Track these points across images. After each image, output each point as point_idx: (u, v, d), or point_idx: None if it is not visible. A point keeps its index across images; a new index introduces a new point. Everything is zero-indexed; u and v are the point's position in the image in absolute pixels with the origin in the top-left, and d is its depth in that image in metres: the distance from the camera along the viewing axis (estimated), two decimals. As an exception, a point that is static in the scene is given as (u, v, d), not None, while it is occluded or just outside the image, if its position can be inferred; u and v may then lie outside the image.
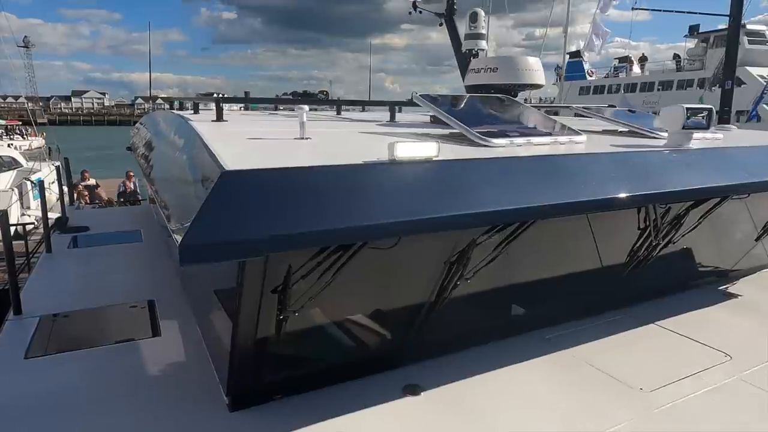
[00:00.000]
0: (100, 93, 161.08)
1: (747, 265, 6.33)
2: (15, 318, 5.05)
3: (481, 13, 6.58)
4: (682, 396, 3.67)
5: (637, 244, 4.93)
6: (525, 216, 3.46)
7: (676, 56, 45.06)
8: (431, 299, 3.96)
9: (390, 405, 3.58)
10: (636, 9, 27.99)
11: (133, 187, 16.66)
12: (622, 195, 3.66)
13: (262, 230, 2.44)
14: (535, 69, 5.80)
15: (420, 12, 10.13)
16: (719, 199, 4.81)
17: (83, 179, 17.54)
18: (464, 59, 7.12)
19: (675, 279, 5.79)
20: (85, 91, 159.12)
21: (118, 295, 5.74)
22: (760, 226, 5.98)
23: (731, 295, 5.73)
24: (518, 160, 3.77)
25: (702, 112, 4.33)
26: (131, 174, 16.49)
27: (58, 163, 14.15)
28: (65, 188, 10.58)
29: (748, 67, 32.59)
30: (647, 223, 4.69)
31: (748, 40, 28.32)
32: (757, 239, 6.05)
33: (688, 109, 4.26)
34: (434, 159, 3.15)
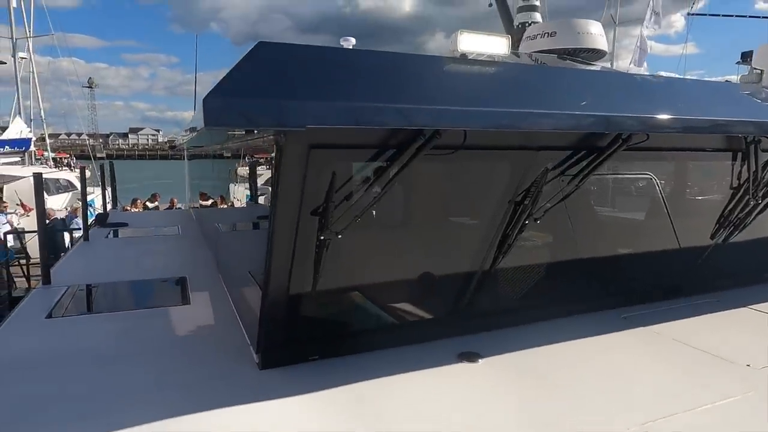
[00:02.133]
0: (155, 130, 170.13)
1: None
2: (43, 287, 4.97)
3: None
4: None
5: (728, 212, 4.31)
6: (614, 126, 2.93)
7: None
8: (494, 252, 3.45)
9: (443, 369, 3.13)
10: (692, 14, 26.92)
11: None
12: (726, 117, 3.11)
13: (301, 97, 2.04)
14: (596, 33, 5.33)
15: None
16: None
17: (134, 205, 18.09)
18: (519, 33, 6.73)
19: (766, 266, 5.17)
20: (141, 128, 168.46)
21: (150, 273, 5.63)
22: None
23: None
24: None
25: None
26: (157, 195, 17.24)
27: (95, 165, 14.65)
28: (108, 189, 10.72)
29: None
30: (743, 178, 4.08)
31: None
32: None
33: (791, 42, 3.69)
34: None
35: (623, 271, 4.38)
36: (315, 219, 2.76)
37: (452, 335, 3.52)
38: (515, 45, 7.00)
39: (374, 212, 2.90)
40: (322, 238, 2.77)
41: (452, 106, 2.38)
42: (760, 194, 4.16)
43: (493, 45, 2.66)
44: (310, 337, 3.29)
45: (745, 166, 4.00)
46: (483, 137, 2.90)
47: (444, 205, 3.40)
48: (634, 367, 3.29)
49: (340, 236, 2.77)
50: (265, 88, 2.05)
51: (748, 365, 3.26)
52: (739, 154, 3.93)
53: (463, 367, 3.19)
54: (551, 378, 3.10)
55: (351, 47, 3.55)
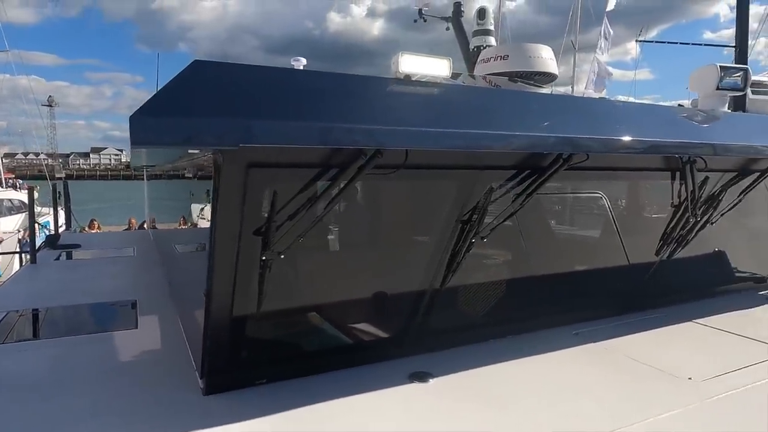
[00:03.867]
0: (118, 150, 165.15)
1: None
2: None
3: (489, 9, 6.48)
4: (741, 386, 3.25)
5: (671, 229, 4.48)
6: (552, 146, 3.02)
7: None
8: (444, 271, 3.46)
9: (392, 390, 3.08)
10: (641, 41, 28.67)
11: None
12: (654, 139, 3.26)
13: (234, 116, 2.02)
14: (547, 57, 5.54)
15: (425, 20, 10.17)
16: (759, 172, 4.38)
17: (91, 227, 17.54)
18: (473, 57, 6.92)
19: (710, 281, 5.41)
20: (104, 148, 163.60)
21: (99, 297, 5.39)
22: None
23: None
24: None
25: (737, 72, 3.98)
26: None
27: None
28: (61, 210, 10.33)
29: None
30: (682, 197, 4.25)
31: (752, 90, 28.59)
32: None
33: (722, 68, 3.91)
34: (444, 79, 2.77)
35: (575, 288, 4.45)
36: (258, 239, 2.71)
37: (404, 355, 3.48)
38: (471, 68, 7.20)
39: (320, 232, 2.88)
40: (264, 258, 2.72)
41: (391, 125, 2.39)
42: (699, 212, 4.34)
43: (434, 67, 2.71)
44: (256, 360, 3.21)
45: (684, 186, 4.17)
46: (428, 157, 2.93)
47: (392, 224, 3.41)
48: (583, 383, 3.32)
49: (282, 256, 2.73)
50: (196, 106, 2.02)
51: (689, 378, 3.34)
52: (678, 174, 4.10)
53: (413, 387, 3.15)
54: (502, 396, 3.09)
55: (301, 68, 3.57)
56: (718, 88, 3.97)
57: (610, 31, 19.20)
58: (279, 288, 2.97)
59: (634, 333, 4.18)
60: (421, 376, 3.23)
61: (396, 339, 3.61)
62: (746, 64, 15.48)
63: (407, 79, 2.69)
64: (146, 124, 1.91)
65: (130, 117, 1.87)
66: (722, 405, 3.02)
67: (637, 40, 30.05)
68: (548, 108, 3.18)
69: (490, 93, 3.05)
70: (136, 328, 4.31)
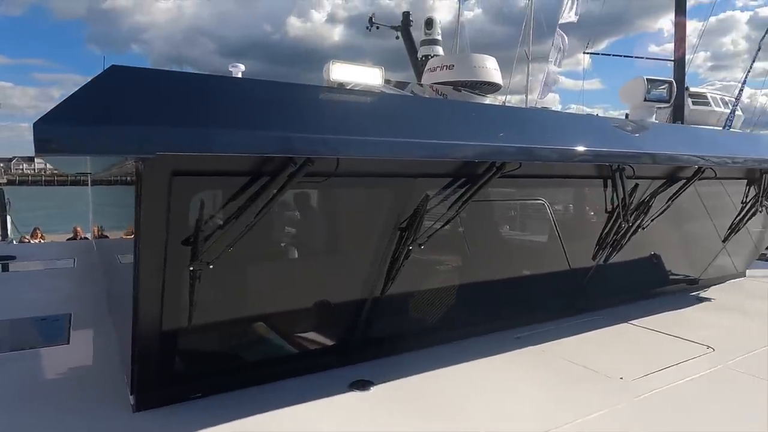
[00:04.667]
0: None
1: (716, 274, 6.37)
2: None
3: (437, 19, 6.58)
4: (667, 383, 3.42)
5: (606, 234, 4.66)
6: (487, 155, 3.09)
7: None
8: (384, 279, 3.47)
9: (332, 400, 3.07)
10: (587, 53, 30.07)
11: None
12: (586, 148, 3.38)
13: (151, 123, 1.96)
14: (491, 67, 5.68)
15: (377, 27, 10.28)
16: (686, 179, 4.61)
17: (34, 236, 16.60)
18: (420, 66, 7.02)
19: (645, 283, 5.70)
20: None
21: (31, 312, 5.10)
22: (724, 231, 6.00)
23: (704, 299, 5.73)
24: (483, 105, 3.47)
25: (663, 85, 4.19)
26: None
27: None
28: None
29: (693, 126, 34.84)
30: (615, 203, 4.43)
31: (692, 101, 30.23)
32: (724, 240, 5.93)
33: (648, 80, 4.12)
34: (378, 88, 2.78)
35: (518, 293, 4.56)
36: (186, 249, 2.64)
37: (344, 364, 3.48)
38: (419, 76, 7.31)
39: (253, 241, 2.83)
40: (193, 268, 2.65)
41: (321, 133, 2.39)
42: (631, 218, 4.53)
43: (366, 75, 2.72)
44: (190, 374, 3.12)
45: (616, 193, 4.35)
46: (362, 165, 2.94)
47: (329, 233, 3.40)
48: (522, 386, 3.40)
49: (212, 266, 2.67)
50: (109, 113, 1.95)
51: (621, 378, 3.48)
52: (610, 182, 4.28)
53: (354, 396, 3.14)
54: (442, 402, 3.12)
55: (240, 74, 3.51)
56: (645, 100, 4.16)
57: (566, 42, 19.93)
58: (211, 299, 2.90)
59: (573, 335, 4.32)
60: (362, 385, 3.23)
61: (336, 348, 3.59)
62: (684, 77, 16.41)
63: (339, 88, 2.69)
64: (51, 131, 1.83)
65: (34, 123, 1.79)
66: (650, 403, 3.16)
67: (584, 52, 31.51)
68: (481, 117, 3.25)
69: (422, 102, 3.09)
70: (68, 343, 4.11)
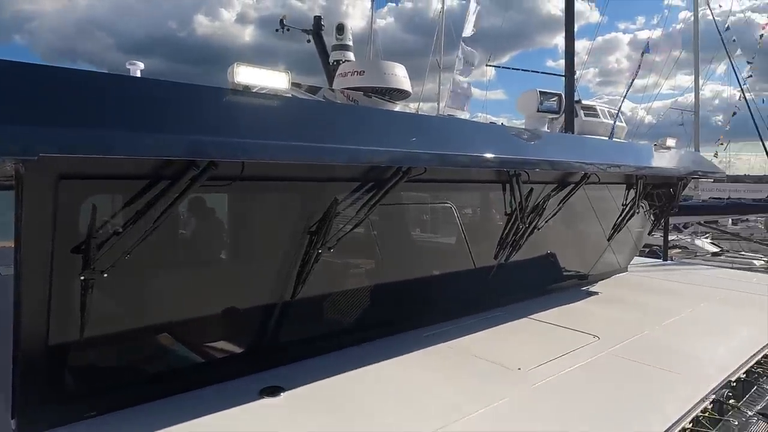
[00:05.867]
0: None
1: (602, 270, 6.98)
2: None
3: (347, 25, 6.68)
4: (558, 371, 3.71)
5: (506, 235, 4.97)
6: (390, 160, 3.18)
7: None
8: (293, 283, 3.44)
9: (242, 408, 2.99)
10: (489, 65, 32.29)
11: None
12: (484, 154, 3.60)
13: (31, 123, 1.81)
14: (401, 75, 5.86)
15: (288, 30, 10.21)
16: (574, 184, 5.05)
17: None
18: (332, 71, 7.07)
19: (542, 280, 6.13)
20: None
21: None
22: (608, 231, 6.62)
23: (592, 293, 6.28)
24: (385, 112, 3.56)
25: (553, 98, 4.58)
26: None
27: None
28: None
29: (585, 135, 38.20)
30: (513, 206, 4.75)
31: (584, 113, 33.03)
32: (609, 239, 6.55)
33: (540, 93, 4.48)
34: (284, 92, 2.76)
35: (426, 293, 4.72)
36: (76, 257, 2.46)
37: (254, 371, 3.40)
38: (331, 81, 7.35)
39: (153, 247, 2.69)
40: (83, 278, 2.47)
41: (223, 137, 2.34)
42: (527, 219, 4.89)
43: (272, 79, 2.70)
44: (82, 392, 2.89)
45: (513, 196, 4.67)
46: (269, 169, 2.91)
47: (234, 238, 3.32)
48: (430, 382, 3.52)
49: (106, 275, 2.51)
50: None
51: (519, 369, 3.72)
52: (508, 186, 4.58)
53: (264, 403, 3.09)
54: (353, 404, 3.16)
55: (138, 72, 3.33)
56: (538, 111, 4.52)
57: (473, 54, 21.04)
58: (106, 309, 2.71)
59: (478, 331, 4.56)
60: (272, 391, 3.18)
61: (245, 355, 3.51)
62: (573, 90, 17.93)
63: (244, 91, 2.64)
64: None
65: None
66: (544, 389, 3.41)
67: (487, 65, 33.74)
68: (386, 124, 3.35)
69: (329, 107, 3.13)
70: None
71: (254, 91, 2.69)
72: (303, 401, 3.14)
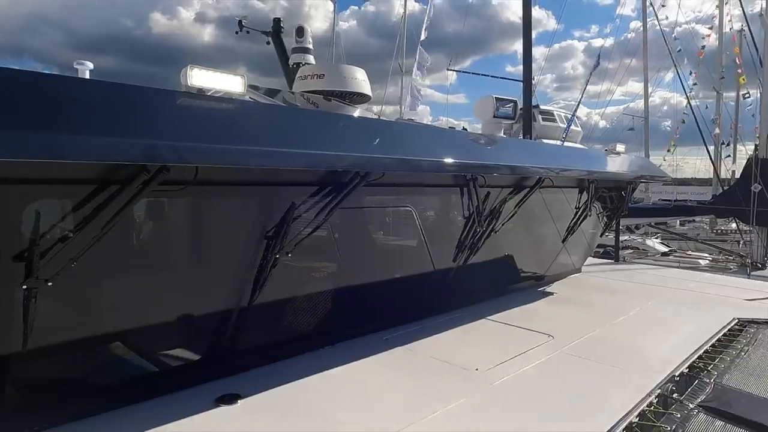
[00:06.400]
0: None
1: (557, 271, 7.20)
2: None
3: (307, 28, 6.65)
4: (514, 371, 3.79)
5: (464, 238, 5.07)
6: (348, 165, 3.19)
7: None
8: (250, 289, 3.40)
9: (198, 417, 2.93)
10: (450, 70, 33.07)
11: None
12: (443, 159, 3.66)
13: None
14: (361, 78, 5.88)
15: (247, 32, 10.08)
16: (529, 188, 5.20)
17: None
18: (292, 73, 7.02)
19: (499, 282, 6.28)
20: None
21: None
22: (563, 233, 6.85)
23: (548, 294, 6.46)
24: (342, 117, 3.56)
25: (509, 104, 4.70)
26: None
27: None
28: None
29: (543, 140, 39.38)
30: (471, 210, 4.85)
31: (542, 117, 33.98)
32: (563, 241, 6.77)
33: (496, 99, 4.59)
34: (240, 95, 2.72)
35: (386, 296, 4.74)
36: (18, 265, 2.35)
37: (210, 379, 3.34)
38: (290, 84, 7.30)
39: (104, 254, 2.60)
40: (25, 287, 2.36)
41: (175, 140, 2.29)
42: (485, 222, 4.99)
43: (227, 82, 2.66)
44: (26, 406, 2.76)
45: (470, 200, 4.76)
46: (224, 173, 2.87)
47: (190, 243, 3.24)
48: (390, 385, 3.55)
49: (51, 284, 2.41)
50: None
51: (476, 369, 3.78)
52: (466, 190, 4.67)
53: (221, 412, 3.03)
54: (312, 409, 3.14)
55: (87, 72, 3.22)
56: (494, 116, 4.62)
57: (426, 56, 21.42)
58: (52, 319, 2.61)
59: (437, 333, 4.61)
60: (229, 399, 3.13)
61: (200, 363, 3.44)
62: (531, 96, 18.44)
63: (198, 94, 2.59)
64: None
65: None
66: (501, 389, 3.49)
67: (448, 69, 34.40)
68: (345, 128, 3.36)
69: (285, 111, 3.11)
70: None
71: (209, 94, 2.65)
72: (261, 408, 3.11)
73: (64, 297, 2.60)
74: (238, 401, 3.13)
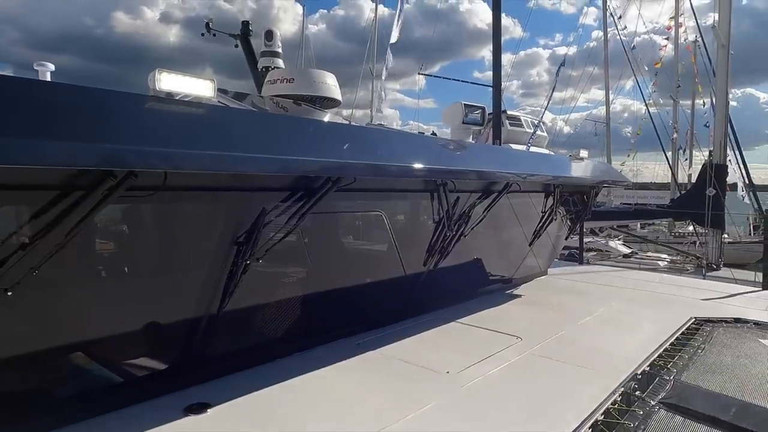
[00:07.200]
0: None
1: (525, 274, 7.38)
2: None
3: (277, 31, 6.61)
4: (484, 373, 3.86)
5: (434, 242, 5.13)
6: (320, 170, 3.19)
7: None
8: (220, 295, 3.35)
9: (166, 428, 2.88)
10: (421, 74, 33.44)
11: None
12: (412, 165, 3.70)
13: None
14: (331, 83, 5.88)
15: (214, 34, 9.94)
16: (497, 192, 5.31)
17: None
18: (261, 77, 6.95)
19: (469, 285, 6.40)
20: None
21: None
22: (530, 236, 7.02)
23: (516, 296, 6.63)
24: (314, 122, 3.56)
25: (477, 110, 4.79)
26: None
27: None
28: None
29: (512, 145, 40.19)
30: (441, 214, 4.91)
31: (509, 123, 34.72)
32: (530, 244, 6.93)
33: (465, 105, 4.67)
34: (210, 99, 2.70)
35: (358, 301, 4.75)
36: None
37: (178, 388, 3.28)
38: (259, 87, 7.24)
39: (68, 261, 2.53)
40: None
41: (142, 145, 2.25)
42: (454, 227, 5.07)
43: (196, 87, 2.62)
44: None
45: (440, 205, 4.82)
46: (193, 179, 2.83)
47: (158, 250, 3.18)
48: (361, 390, 3.55)
49: (10, 293, 2.33)
50: None
51: (447, 372, 3.83)
52: (436, 195, 4.73)
53: (189, 421, 2.98)
54: (283, 416, 3.12)
55: (48, 74, 3.12)
56: (463, 122, 4.70)
57: (390, 59, 21.81)
58: (11, 330, 2.52)
59: (408, 337, 4.66)
60: (198, 408, 3.08)
61: (168, 372, 3.37)
62: (500, 102, 18.78)
63: (167, 98, 2.55)
64: None
65: None
66: (471, 391, 3.54)
67: (419, 73, 34.72)
68: (316, 133, 3.36)
69: (255, 116, 3.09)
70: None
71: (178, 98, 2.61)
72: (231, 417, 3.06)
73: (24, 306, 2.51)
74: (208, 410, 3.09)
